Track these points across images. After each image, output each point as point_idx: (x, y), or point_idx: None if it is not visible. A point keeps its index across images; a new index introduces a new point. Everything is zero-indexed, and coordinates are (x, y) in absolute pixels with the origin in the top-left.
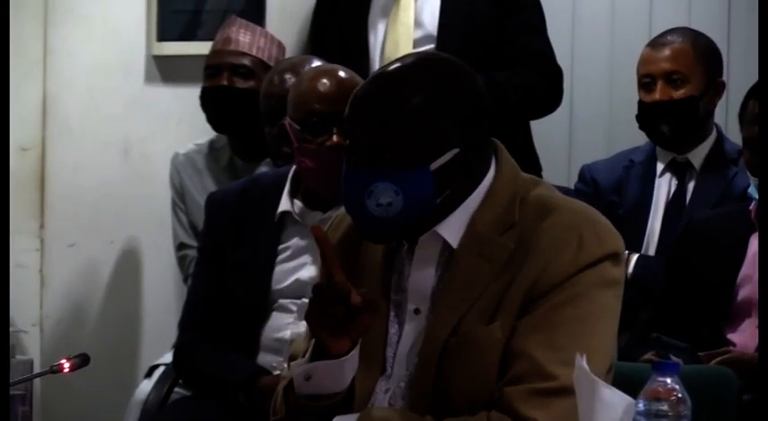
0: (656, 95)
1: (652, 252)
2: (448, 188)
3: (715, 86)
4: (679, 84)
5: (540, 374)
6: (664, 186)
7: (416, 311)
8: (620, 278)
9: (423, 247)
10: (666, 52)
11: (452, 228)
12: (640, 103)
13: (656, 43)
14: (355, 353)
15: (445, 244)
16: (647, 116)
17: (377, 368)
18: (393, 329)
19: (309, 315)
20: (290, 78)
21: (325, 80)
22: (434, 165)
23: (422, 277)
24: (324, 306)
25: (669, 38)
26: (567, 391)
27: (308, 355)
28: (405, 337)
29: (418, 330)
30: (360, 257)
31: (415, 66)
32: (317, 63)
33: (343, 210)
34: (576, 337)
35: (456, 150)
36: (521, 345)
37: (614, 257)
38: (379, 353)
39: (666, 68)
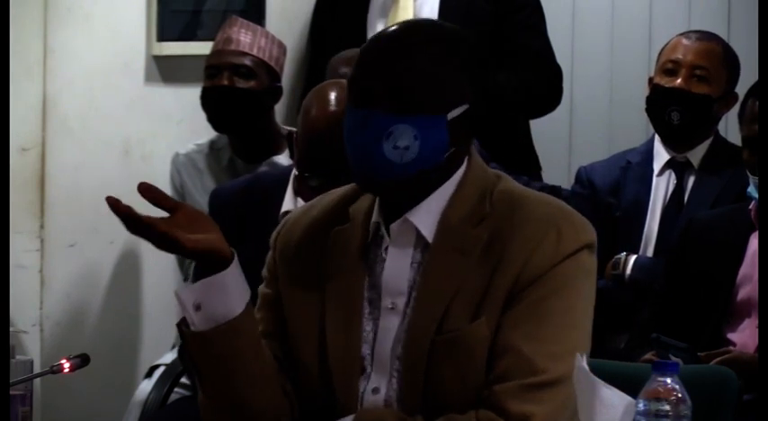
0: (678, 82)
1: (650, 253)
2: (455, 145)
3: (729, 97)
4: (701, 80)
5: (529, 369)
6: (662, 186)
7: (392, 307)
8: (595, 268)
9: (397, 241)
10: (699, 46)
11: (425, 219)
12: (656, 86)
13: (690, 36)
14: (235, 270)
15: (419, 239)
16: (662, 100)
17: (356, 368)
18: (368, 327)
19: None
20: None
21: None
22: (450, 116)
23: (397, 272)
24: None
25: (703, 35)
26: (557, 383)
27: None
28: (382, 334)
29: (396, 326)
30: (324, 258)
31: (427, 22)
32: None
33: (292, 214)
34: (561, 329)
35: (467, 106)
36: (507, 340)
37: (590, 247)
38: (356, 353)
39: (695, 61)
